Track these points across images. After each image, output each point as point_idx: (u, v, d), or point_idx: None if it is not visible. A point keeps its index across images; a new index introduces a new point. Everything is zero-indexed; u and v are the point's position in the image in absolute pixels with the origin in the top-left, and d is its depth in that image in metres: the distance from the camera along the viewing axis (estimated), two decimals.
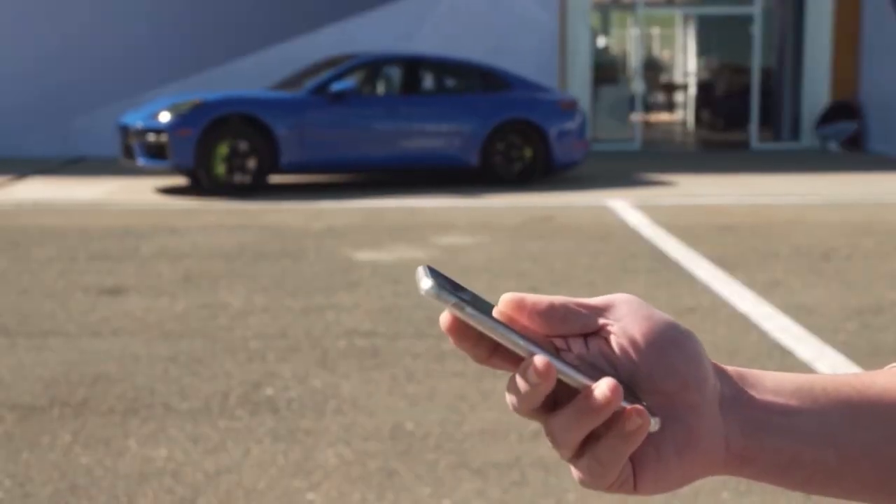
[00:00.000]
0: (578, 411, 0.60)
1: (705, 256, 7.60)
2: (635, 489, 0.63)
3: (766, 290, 6.51)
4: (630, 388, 0.63)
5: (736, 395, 0.65)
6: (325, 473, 3.68)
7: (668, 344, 0.63)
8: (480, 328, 0.61)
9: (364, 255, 7.69)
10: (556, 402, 0.63)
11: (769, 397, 0.66)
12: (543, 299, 0.63)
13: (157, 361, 5.00)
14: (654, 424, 0.61)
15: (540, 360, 0.59)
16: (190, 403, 4.41)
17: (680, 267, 7.25)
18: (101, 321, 5.78)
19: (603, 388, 0.59)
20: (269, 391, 4.56)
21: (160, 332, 5.53)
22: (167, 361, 5.00)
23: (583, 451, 0.62)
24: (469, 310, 0.60)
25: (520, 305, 0.63)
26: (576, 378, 0.61)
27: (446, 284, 0.61)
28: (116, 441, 3.99)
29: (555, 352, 0.63)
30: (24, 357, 5.07)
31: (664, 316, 0.65)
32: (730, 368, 0.67)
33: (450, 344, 5.27)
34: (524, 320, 0.63)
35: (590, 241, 8.28)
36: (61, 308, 6.07)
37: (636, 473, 0.63)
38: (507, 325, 0.61)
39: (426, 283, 0.60)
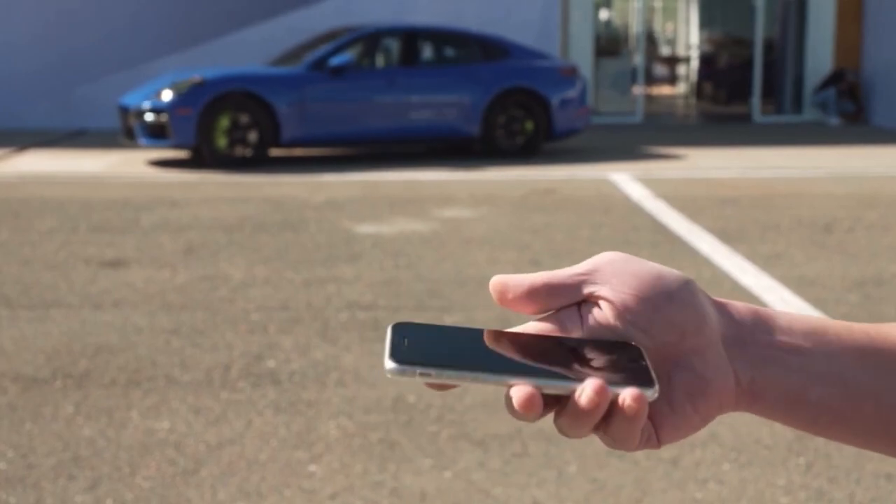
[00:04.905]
0: (574, 415, 0.61)
1: (707, 229, 7.59)
2: (659, 443, 0.64)
3: (768, 262, 6.51)
4: (635, 349, 0.63)
5: (740, 334, 0.66)
6: (327, 445, 3.69)
7: (659, 297, 0.64)
8: (456, 382, 0.61)
9: (365, 228, 7.69)
10: (555, 398, 0.63)
11: (779, 336, 0.66)
12: (524, 282, 0.64)
13: (159, 333, 5.01)
14: (651, 394, 0.61)
15: (518, 393, 0.59)
16: (192, 375, 4.41)
17: (681, 240, 7.24)
18: (102, 293, 5.78)
19: (588, 392, 0.60)
20: (271, 363, 4.57)
21: (161, 304, 5.54)
22: (169, 333, 5.01)
23: (597, 429, 0.62)
24: (435, 374, 0.61)
25: (503, 291, 0.65)
26: (562, 387, 0.61)
27: (413, 347, 0.62)
28: (119, 412, 4.00)
29: (545, 357, 0.62)
30: (26, 328, 5.08)
31: (652, 268, 0.65)
32: (741, 305, 0.67)
33: (451, 316, 5.27)
34: (511, 304, 0.65)
35: (591, 214, 8.27)
36: (63, 279, 6.08)
37: (656, 428, 0.64)
38: (482, 367, 0.61)
39: (388, 363, 0.61)
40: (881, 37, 16.32)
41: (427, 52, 12.53)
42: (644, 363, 0.63)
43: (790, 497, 3.29)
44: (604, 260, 0.65)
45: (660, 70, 26.35)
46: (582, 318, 0.64)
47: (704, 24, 23.70)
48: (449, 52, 12.51)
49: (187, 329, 5.08)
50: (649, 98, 22.46)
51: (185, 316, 5.32)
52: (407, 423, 3.88)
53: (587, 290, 0.64)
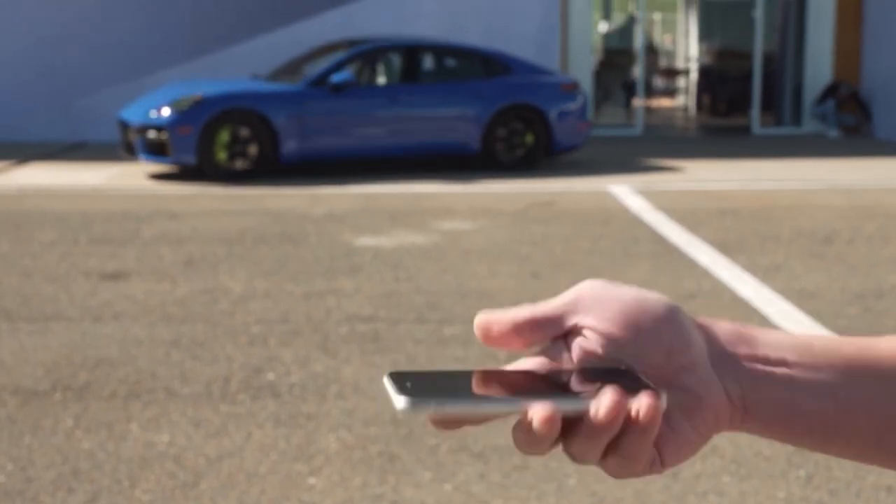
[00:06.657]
0: (590, 434, 0.60)
1: (707, 241, 7.59)
2: (663, 465, 0.64)
3: (768, 274, 6.51)
4: (629, 372, 0.64)
5: (724, 351, 0.66)
6: (327, 458, 3.69)
7: (642, 319, 0.64)
8: (471, 413, 0.61)
9: (365, 241, 7.69)
10: (564, 425, 0.62)
11: (763, 350, 0.66)
12: (507, 318, 0.65)
13: (159, 346, 5.01)
14: (663, 402, 0.62)
15: (539, 412, 0.59)
16: (191, 388, 4.41)
17: (681, 252, 7.25)
18: (102, 305, 5.78)
19: (606, 404, 0.60)
20: (271, 376, 4.57)
21: (161, 317, 5.54)
22: (169, 346, 5.01)
23: (606, 453, 0.63)
24: (450, 406, 0.61)
25: (487, 328, 0.65)
26: (576, 405, 0.61)
27: (418, 386, 0.62)
28: (118, 425, 3.99)
29: (545, 387, 0.63)
30: (26, 341, 5.08)
31: (633, 292, 0.66)
32: (724, 323, 0.68)
33: (451, 329, 5.27)
34: (497, 342, 0.65)
35: (591, 226, 8.27)
36: (63, 292, 6.08)
37: (659, 451, 0.64)
38: (494, 397, 0.61)
39: (399, 401, 0.61)
40: (881, 47, 16.34)
41: (428, 68, 12.53)
42: (642, 379, 0.63)
43: None
44: (585, 289, 0.66)
45: (659, 82, 26.38)
46: (570, 349, 0.65)
47: (704, 36, 23.75)
48: (450, 68, 12.52)
49: (187, 341, 5.08)
50: (649, 110, 22.49)
51: (185, 328, 5.32)
52: (407, 435, 3.88)
53: (571, 321, 0.65)
